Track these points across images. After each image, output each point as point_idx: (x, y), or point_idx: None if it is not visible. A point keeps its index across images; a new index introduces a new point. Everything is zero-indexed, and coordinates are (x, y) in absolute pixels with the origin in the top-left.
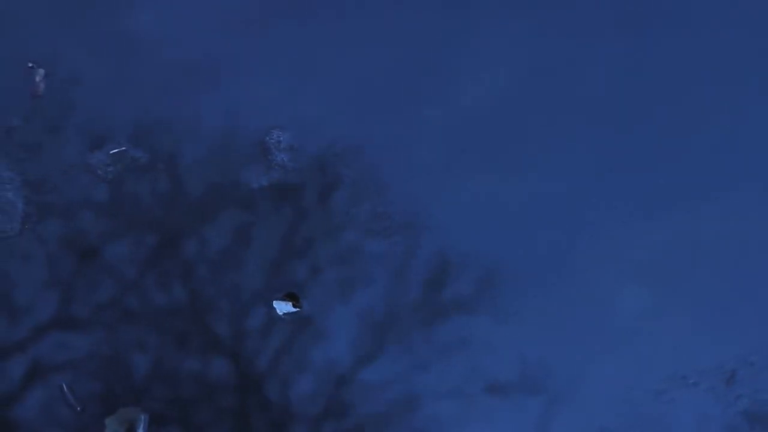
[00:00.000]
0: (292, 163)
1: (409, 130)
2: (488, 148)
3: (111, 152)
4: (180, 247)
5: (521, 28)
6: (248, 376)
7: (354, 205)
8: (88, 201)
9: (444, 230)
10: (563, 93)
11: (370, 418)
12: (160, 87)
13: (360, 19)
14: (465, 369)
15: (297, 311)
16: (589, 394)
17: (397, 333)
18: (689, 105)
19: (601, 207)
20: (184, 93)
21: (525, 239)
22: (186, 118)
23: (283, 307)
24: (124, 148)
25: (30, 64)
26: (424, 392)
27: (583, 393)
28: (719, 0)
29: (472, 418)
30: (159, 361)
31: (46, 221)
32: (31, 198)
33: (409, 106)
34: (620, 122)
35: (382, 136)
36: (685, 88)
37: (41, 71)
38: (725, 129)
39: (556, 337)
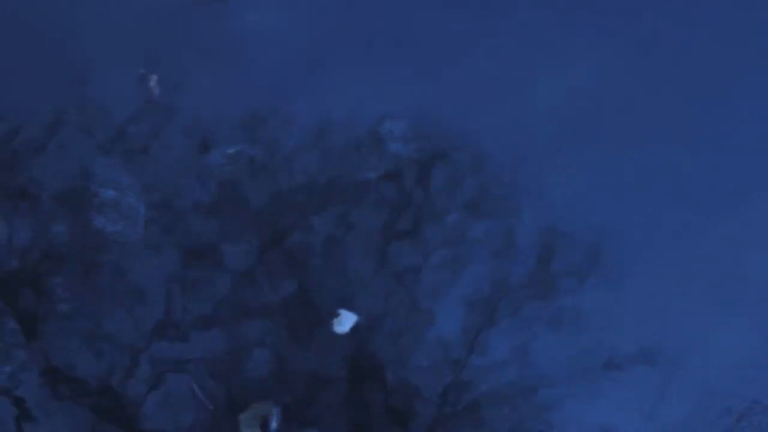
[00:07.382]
0: (405, 151)
1: (519, 112)
2: (601, 124)
3: (227, 152)
4: (299, 240)
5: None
6: (365, 363)
7: (467, 186)
8: (207, 202)
9: (566, 206)
10: (672, 71)
11: (487, 397)
12: (269, 85)
13: (465, 9)
14: (584, 343)
15: (342, 331)
16: (712, 360)
17: (518, 308)
18: None
19: (723, 176)
20: (293, 89)
21: (642, 211)
22: (297, 114)
23: (348, 318)
24: (240, 148)
25: (141, 71)
26: (540, 370)
27: (707, 359)
28: None
29: (595, 390)
30: (278, 356)
31: (169, 224)
32: (152, 202)
33: (518, 88)
34: (733, 96)
35: (492, 119)
36: None
37: (154, 77)
38: None
39: (677, 307)
